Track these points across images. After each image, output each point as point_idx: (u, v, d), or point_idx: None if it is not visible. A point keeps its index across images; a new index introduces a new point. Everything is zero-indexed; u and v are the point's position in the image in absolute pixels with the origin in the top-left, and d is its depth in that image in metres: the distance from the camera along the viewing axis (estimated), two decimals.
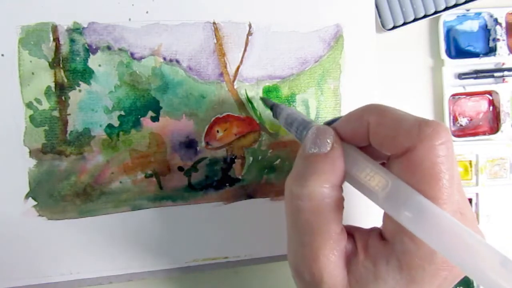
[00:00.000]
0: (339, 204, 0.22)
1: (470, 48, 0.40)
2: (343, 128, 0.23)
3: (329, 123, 0.24)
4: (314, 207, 0.21)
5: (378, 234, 0.22)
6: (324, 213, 0.21)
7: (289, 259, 0.23)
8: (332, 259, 0.21)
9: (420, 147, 0.19)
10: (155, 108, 0.31)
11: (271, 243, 0.34)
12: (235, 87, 0.33)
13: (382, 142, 0.21)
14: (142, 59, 0.31)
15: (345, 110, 0.35)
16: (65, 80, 0.30)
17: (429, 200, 0.19)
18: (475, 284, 0.40)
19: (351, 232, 0.23)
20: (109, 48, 0.30)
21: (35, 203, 0.30)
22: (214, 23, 0.32)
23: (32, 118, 0.29)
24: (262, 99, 0.33)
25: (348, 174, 0.22)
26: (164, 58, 0.31)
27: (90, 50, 0.30)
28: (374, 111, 0.21)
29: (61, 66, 0.30)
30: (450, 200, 0.19)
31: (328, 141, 0.22)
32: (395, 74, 0.39)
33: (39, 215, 0.30)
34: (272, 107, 0.31)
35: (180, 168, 0.32)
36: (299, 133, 0.26)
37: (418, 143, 0.19)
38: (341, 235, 0.22)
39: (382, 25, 0.37)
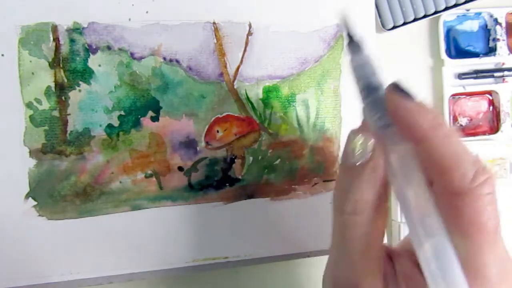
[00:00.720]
0: (383, 214, 0.21)
1: (470, 48, 0.40)
2: (401, 115, 0.20)
3: (399, 89, 0.20)
4: (356, 219, 0.20)
5: (418, 267, 0.20)
6: (366, 226, 0.21)
7: (328, 274, 0.23)
8: (369, 279, 0.20)
9: (470, 195, 0.19)
10: (155, 108, 0.31)
11: (271, 243, 0.34)
12: (235, 87, 0.33)
13: (431, 169, 0.20)
14: (142, 59, 0.31)
15: (345, 110, 0.35)
16: (65, 80, 0.30)
17: (469, 252, 0.18)
18: None
19: (391, 255, 0.22)
20: (109, 48, 0.30)
21: (35, 203, 0.30)
22: (214, 23, 0.32)
23: (32, 118, 0.29)
24: (345, 22, 0.26)
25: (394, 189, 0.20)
26: (164, 58, 0.31)
27: (90, 50, 0.30)
28: (442, 132, 0.19)
29: (61, 66, 0.30)
30: (494, 254, 0.19)
31: (369, 150, 0.21)
32: (395, 74, 0.39)
33: (39, 215, 0.30)
34: (351, 39, 0.25)
35: (180, 168, 0.32)
36: (361, 95, 0.23)
37: (469, 190, 0.19)
38: (380, 254, 0.21)
39: (382, 25, 0.37)
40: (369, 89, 0.22)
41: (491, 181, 0.19)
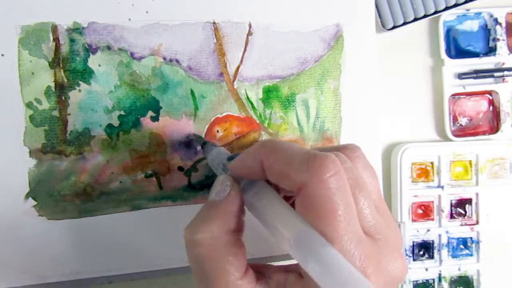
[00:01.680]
0: (236, 249, 0.22)
1: (470, 48, 0.40)
2: (240, 168, 0.23)
3: (231, 158, 0.24)
4: (205, 253, 0.21)
5: (298, 274, 0.21)
6: (217, 259, 0.21)
7: None
8: None
9: (310, 183, 0.19)
10: (155, 108, 0.31)
11: (271, 243, 0.34)
12: (235, 87, 0.33)
13: (278, 180, 0.21)
14: (142, 59, 0.31)
15: (345, 110, 0.35)
16: (65, 80, 0.30)
17: (327, 235, 0.18)
18: (475, 285, 0.40)
19: (261, 271, 0.22)
20: (109, 48, 0.30)
21: (35, 203, 0.30)
22: (214, 23, 0.32)
23: (32, 118, 0.29)
24: (195, 136, 0.32)
25: (260, 219, 0.22)
26: (164, 58, 0.31)
27: (90, 50, 0.30)
28: (266, 148, 0.21)
29: (61, 66, 0.30)
30: (349, 231, 0.18)
31: (226, 188, 0.23)
32: (395, 74, 0.39)
33: (39, 215, 0.30)
34: (203, 145, 0.31)
35: (180, 168, 0.32)
36: (217, 168, 0.27)
37: (308, 179, 0.19)
38: (244, 279, 0.21)
39: (382, 25, 0.37)
40: (226, 168, 0.26)
41: (327, 164, 0.19)
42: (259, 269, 0.23)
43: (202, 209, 0.23)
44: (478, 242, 0.39)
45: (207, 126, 0.32)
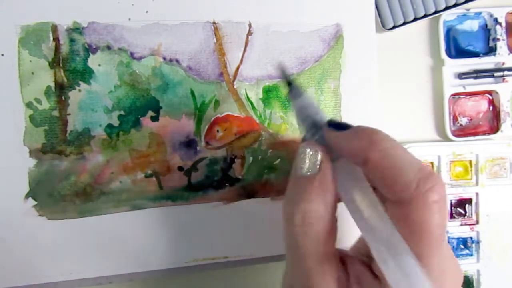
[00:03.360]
0: (332, 226, 0.22)
1: (470, 48, 0.40)
2: (340, 145, 0.22)
3: (333, 125, 0.23)
4: (306, 229, 0.21)
5: (370, 269, 0.22)
6: (315, 235, 0.21)
7: (284, 282, 0.23)
8: (323, 284, 0.21)
9: (415, 203, 0.19)
10: (155, 108, 0.31)
11: (271, 243, 0.34)
12: (235, 86, 0.33)
13: (379, 184, 0.21)
14: (142, 59, 0.31)
15: (345, 110, 0.35)
16: (65, 80, 0.30)
17: (416, 255, 0.19)
18: (475, 285, 0.40)
19: (344, 259, 0.23)
20: (109, 47, 0.30)
21: (35, 203, 0.30)
22: (214, 22, 0.32)
23: (32, 118, 0.29)
24: (281, 68, 0.28)
25: (346, 204, 0.21)
26: (164, 58, 0.31)
27: (90, 49, 0.30)
28: (378, 148, 0.20)
29: (61, 65, 0.30)
30: (438, 256, 0.20)
31: (318, 163, 0.22)
32: (395, 74, 0.39)
33: (39, 215, 0.30)
34: (290, 85, 0.26)
35: (180, 168, 0.32)
36: (308, 135, 0.25)
37: (414, 198, 0.19)
38: (333, 259, 0.22)
39: (382, 25, 0.37)
40: (315, 128, 0.24)
41: (438, 188, 0.19)
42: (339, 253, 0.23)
43: (295, 184, 0.22)
44: (478, 242, 0.39)
45: (207, 126, 0.32)
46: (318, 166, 0.22)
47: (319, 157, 0.22)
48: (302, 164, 0.22)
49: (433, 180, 0.19)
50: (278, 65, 0.28)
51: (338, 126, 0.22)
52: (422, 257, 0.19)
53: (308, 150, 0.22)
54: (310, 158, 0.22)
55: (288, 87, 0.26)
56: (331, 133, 0.22)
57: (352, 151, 0.21)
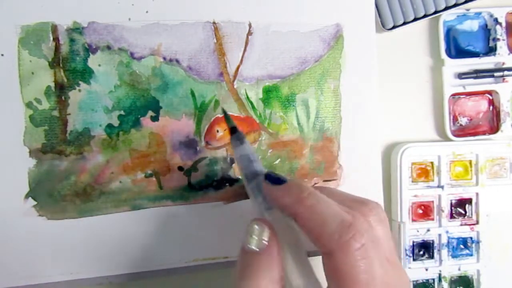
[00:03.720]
0: None
1: (470, 48, 0.40)
2: (274, 200, 0.24)
3: (269, 179, 0.25)
4: None
5: None
6: None
7: None
8: None
9: (339, 253, 0.21)
10: (155, 108, 0.31)
11: None
12: (235, 86, 0.33)
13: (309, 237, 0.22)
14: (142, 59, 0.31)
15: (345, 110, 0.35)
16: (65, 80, 0.30)
17: None
18: (475, 285, 0.40)
19: None
20: (109, 47, 0.30)
21: (35, 203, 0.30)
22: (214, 22, 0.32)
23: (32, 118, 0.29)
24: (225, 113, 0.31)
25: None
26: (164, 58, 0.31)
27: (90, 49, 0.30)
28: (305, 204, 0.23)
29: (61, 65, 0.30)
30: None
31: (265, 238, 0.23)
32: (395, 74, 0.39)
33: (39, 215, 0.30)
34: (233, 133, 0.29)
35: (180, 168, 0.32)
36: (246, 181, 0.27)
37: (338, 248, 0.21)
38: None
39: (382, 25, 0.37)
40: (251, 176, 0.26)
41: (358, 237, 0.21)
42: None
43: (243, 258, 0.24)
44: (478, 242, 0.39)
45: (207, 126, 0.32)
46: (265, 243, 0.23)
47: (266, 234, 0.24)
48: (250, 240, 0.24)
49: (353, 229, 0.21)
50: (223, 112, 0.31)
51: (273, 180, 0.25)
52: None
53: (256, 227, 0.24)
54: (258, 234, 0.24)
55: (231, 134, 0.29)
56: (267, 186, 0.25)
57: (283, 206, 0.24)
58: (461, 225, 0.39)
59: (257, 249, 0.23)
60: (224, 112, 0.31)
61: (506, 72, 0.39)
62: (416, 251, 0.38)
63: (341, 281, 0.21)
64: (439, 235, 0.39)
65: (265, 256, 0.23)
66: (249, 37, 0.33)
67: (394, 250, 0.25)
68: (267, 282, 0.22)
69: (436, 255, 0.39)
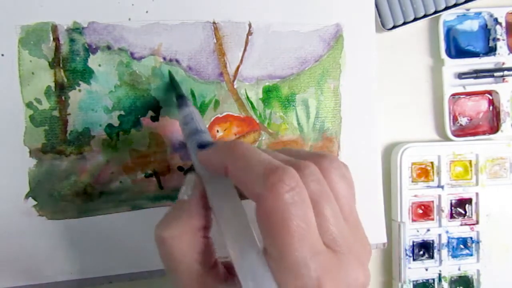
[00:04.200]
0: (201, 245, 0.23)
1: (470, 48, 0.40)
2: (206, 164, 0.24)
3: (203, 146, 0.24)
4: (172, 250, 0.22)
5: None
6: (183, 255, 0.22)
7: None
8: None
9: (266, 196, 0.19)
10: (155, 108, 0.31)
11: None
12: (235, 86, 0.33)
13: (238, 186, 0.21)
14: (142, 59, 0.31)
15: (345, 110, 0.35)
16: (65, 80, 0.30)
17: (280, 249, 0.19)
18: (475, 285, 0.40)
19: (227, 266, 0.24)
20: (109, 48, 0.30)
21: (35, 203, 0.30)
22: (214, 22, 0.32)
23: (32, 118, 0.29)
24: (171, 77, 0.31)
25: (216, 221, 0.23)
26: (164, 58, 0.31)
27: (90, 49, 0.30)
28: (231, 153, 0.22)
29: (61, 66, 0.30)
30: (303, 245, 0.19)
31: (189, 188, 0.24)
32: (395, 74, 0.39)
33: (39, 215, 0.30)
34: (178, 97, 0.29)
35: (180, 168, 0.32)
36: (188, 139, 0.27)
37: (264, 192, 0.19)
38: (209, 276, 0.22)
39: (382, 25, 0.37)
40: (191, 133, 0.26)
41: (285, 179, 0.19)
42: (232, 269, 0.23)
43: (171, 207, 0.24)
44: (478, 242, 0.39)
45: (207, 126, 0.32)
46: (189, 192, 0.24)
47: (191, 184, 0.24)
48: (180, 191, 0.24)
49: (280, 171, 0.19)
50: (170, 76, 0.31)
51: (204, 145, 0.24)
52: (286, 254, 0.19)
53: (186, 179, 0.25)
54: (185, 185, 0.24)
55: (177, 95, 0.29)
56: (199, 153, 0.24)
57: (214, 166, 0.23)
58: (461, 225, 0.39)
59: (183, 197, 0.24)
60: (170, 74, 0.31)
61: (506, 72, 0.39)
62: (416, 251, 0.38)
63: (270, 229, 0.19)
64: (439, 235, 0.39)
65: (185, 204, 0.23)
66: (249, 37, 0.33)
67: (355, 211, 0.23)
68: (184, 229, 0.22)
69: (436, 255, 0.39)
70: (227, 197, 0.23)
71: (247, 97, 0.33)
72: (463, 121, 0.40)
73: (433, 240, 0.39)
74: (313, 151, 0.24)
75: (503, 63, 0.39)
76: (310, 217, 0.19)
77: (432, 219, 0.39)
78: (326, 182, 0.21)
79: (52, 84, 0.30)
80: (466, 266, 0.39)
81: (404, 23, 0.38)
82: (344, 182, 0.22)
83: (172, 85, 0.31)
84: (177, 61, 0.32)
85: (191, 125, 0.27)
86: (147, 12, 0.31)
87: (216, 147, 0.23)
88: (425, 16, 0.38)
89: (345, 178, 0.22)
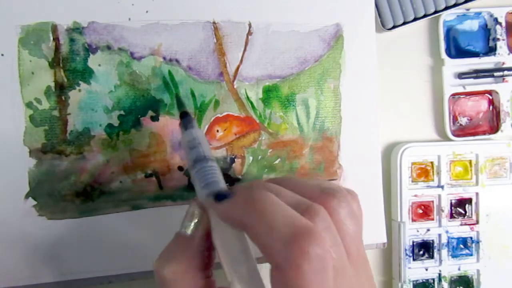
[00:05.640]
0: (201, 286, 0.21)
1: (470, 48, 0.40)
2: (222, 217, 0.21)
3: (220, 197, 0.22)
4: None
5: None
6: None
7: None
8: None
9: (288, 268, 0.18)
10: (155, 107, 0.31)
11: None
12: (235, 86, 0.33)
13: (259, 248, 0.19)
14: (142, 59, 0.31)
15: (345, 110, 0.35)
16: (65, 80, 0.30)
17: None
18: (475, 285, 0.40)
19: None
20: (109, 47, 0.30)
21: (35, 202, 0.30)
22: (214, 22, 0.32)
23: (32, 118, 0.29)
24: (177, 98, 0.30)
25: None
26: (164, 58, 0.31)
27: (90, 49, 0.30)
28: (249, 213, 0.20)
29: (61, 65, 0.30)
30: None
31: (192, 224, 0.22)
32: (395, 74, 0.39)
33: (39, 215, 0.30)
34: (182, 115, 0.28)
35: (180, 168, 0.32)
36: (193, 166, 0.25)
37: (285, 264, 0.18)
38: None
39: (382, 25, 0.37)
40: (195, 160, 0.24)
41: (308, 254, 0.17)
42: None
43: (172, 241, 0.23)
44: (478, 242, 0.39)
45: (207, 126, 0.32)
46: (191, 229, 0.22)
47: (196, 218, 0.22)
48: (182, 223, 0.22)
49: (302, 244, 0.17)
50: (176, 97, 0.31)
51: (219, 197, 0.22)
52: None
53: (189, 210, 0.22)
54: (189, 218, 0.22)
55: (181, 119, 0.27)
56: (217, 208, 0.22)
57: (233, 223, 0.21)
58: (461, 225, 0.39)
59: (187, 233, 0.22)
60: (177, 96, 0.30)
61: (506, 72, 0.39)
62: (416, 251, 0.38)
63: None
64: (439, 235, 0.39)
65: (187, 242, 0.22)
66: (249, 37, 0.33)
67: (362, 249, 0.22)
68: (185, 266, 0.21)
69: (436, 255, 0.39)
70: (235, 238, 0.21)
71: (247, 97, 0.33)
72: (463, 121, 0.40)
73: (433, 240, 0.39)
74: (321, 183, 0.22)
75: (503, 63, 0.39)
76: (329, 283, 0.18)
77: (432, 219, 0.39)
78: (333, 222, 0.20)
79: (52, 84, 0.30)
80: (466, 266, 0.39)
81: (404, 23, 0.38)
82: (351, 221, 0.21)
83: (177, 102, 0.30)
84: (177, 61, 0.32)
85: (197, 151, 0.25)
86: (147, 12, 0.31)
87: (235, 201, 0.21)
88: (425, 16, 0.38)
89: (352, 216, 0.21)
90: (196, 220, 0.22)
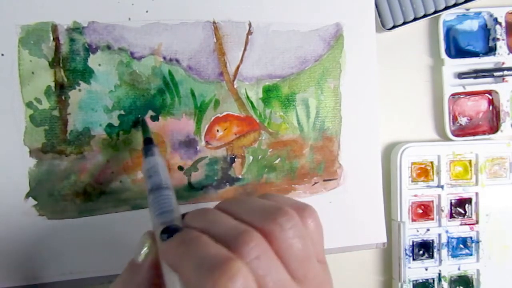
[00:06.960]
0: None
1: (470, 48, 0.40)
2: (165, 257, 0.21)
3: (163, 235, 0.21)
4: None
5: None
6: None
7: None
8: None
9: None
10: (155, 107, 0.31)
11: None
12: (235, 86, 0.33)
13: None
14: (142, 59, 0.31)
15: (345, 109, 0.35)
16: (65, 80, 0.30)
17: None
18: (474, 284, 0.40)
19: None
20: (109, 47, 0.30)
21: (35, 202, 0.30)
22: (214, 22, 0.32)
23: (32, 118, 0.29)
24: (143, 122, 0.30)
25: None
26: (164, 58, 0.31)
27: (90, 49, 0.30)
28: (180, 265, 0.19)
29: (61, 65, 0.30)
30: None
31: (142, 253, 0.22)
32: (395, 74, 0.39)
33: (39, 215, 0.30)
34: (145, 142, 0.28)
35: (180, 168, 0.32)
36: (149, 194, 0.25)
37: None
38: None
39: (382, 25, 0.37)
40: (153, 189, 0.25)
41: (225, 283, 0.17)
42: None
43: (125, 268, 0.23)
44: (477, 242, 0.39)
45: (207, 126, 0.32)
46: (141, 256, 0.22)
47: (145, 248, 0.22)
48: (138, 250, 0.23)
49: (223, 278, 0.17)
50: (141, 122, 0.31)
51: (168, 231, 0.21)
52: None
53: (141, 239, 0.23)
54: (139, 247, 0.23)
55: (144, 142, 0.28)
56: (159, 243, 0.22)
57: (169, 263, 0.20)
58: (461, 224, 0.39)
59: (138, 261, 0.22)
60: (143, 121, 0.31)
61: (506, 72, 0.39)
62: (416, 250, 0.38)
63: None
64: (439, 234, 0.39)
65: (136, 269, 0.22)
66: (249, 36, 0.33)
67: (315, 270, 0.20)
68: None
69: (436, 254, 0.39)
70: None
71: (247, 96, 0.33)
72: (463, 121, 0.40)
73: (433, 240, 0.39)
74: (265, 205, 0.21)
75: (503, 63, 0.39)
76: None
77: (432, 219, 0.39)
78: (274, 247, 0.19)
79: (52, 84, 0.30)
80: (466, 265, 0.39)
81: (404, 23, 0.38)
82: (299, 243, 0.20)
83: (142, 127, 0.30)
84: (177, 60, 0.32)
85: (154, 180, 0.25)
86: (147, 12, 0.31)
87: (169, 243, 0.20)
88: (425, 16, 0.38)
89: (300, 237, 0.20)
90: (145, 249, 0.22)
